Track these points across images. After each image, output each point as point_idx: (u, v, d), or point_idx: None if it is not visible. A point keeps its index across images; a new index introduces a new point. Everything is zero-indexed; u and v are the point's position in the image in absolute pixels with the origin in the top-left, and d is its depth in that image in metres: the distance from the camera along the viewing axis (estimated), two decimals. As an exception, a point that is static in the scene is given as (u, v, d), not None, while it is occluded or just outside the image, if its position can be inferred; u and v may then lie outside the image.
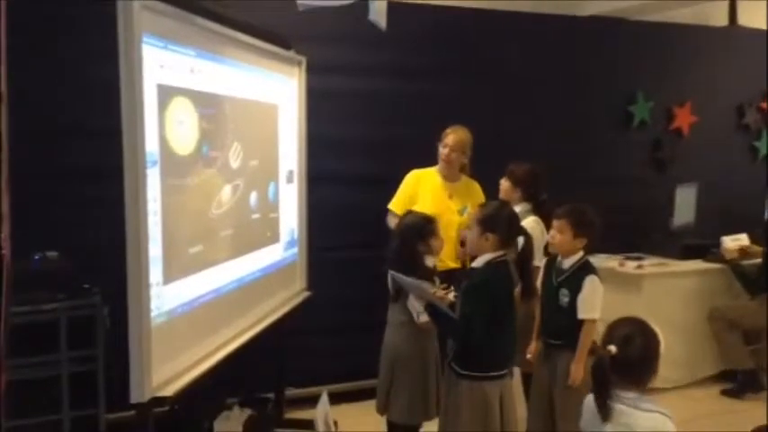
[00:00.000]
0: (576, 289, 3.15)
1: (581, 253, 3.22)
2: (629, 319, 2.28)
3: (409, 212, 3.49)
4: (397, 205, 3.96)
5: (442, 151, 3.93)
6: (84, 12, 3.37)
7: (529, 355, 3.32)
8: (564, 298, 3.17)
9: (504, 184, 3.86)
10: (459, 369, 2.91)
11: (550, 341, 3.23)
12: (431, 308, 2.98)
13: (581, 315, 3.11)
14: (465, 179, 4.04)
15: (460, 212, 3.89)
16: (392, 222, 3.83)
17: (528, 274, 3.05)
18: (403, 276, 3.05)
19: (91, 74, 3.22)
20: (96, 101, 2.93)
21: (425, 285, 3.06)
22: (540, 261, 3.43)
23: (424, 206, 3.75)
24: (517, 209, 3.41)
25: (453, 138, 3.92)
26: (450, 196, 3.94)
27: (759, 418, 3.92)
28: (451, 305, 2.95)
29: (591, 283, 3.14)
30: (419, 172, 4.01)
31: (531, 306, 3.31)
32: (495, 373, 2.89)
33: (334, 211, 4.25)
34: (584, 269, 3.19)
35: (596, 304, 3.13)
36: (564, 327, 3.15)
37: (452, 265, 3.81)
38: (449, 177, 3.98)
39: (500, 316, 2.86)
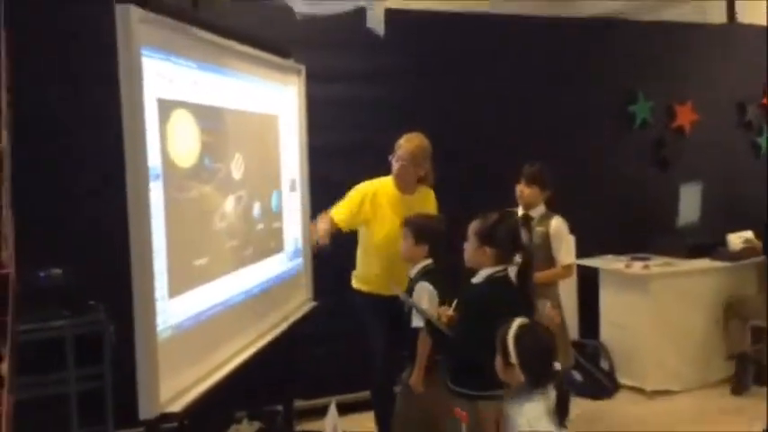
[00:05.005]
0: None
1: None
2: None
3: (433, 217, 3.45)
4: (339, 214, 3.62)
5: (395, 165, 3.60)
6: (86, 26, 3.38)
7: None
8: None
9: (528, 189, 3.78)
10: (454, 386, 2.83)
11: None
12: (428, 324, 2.95)
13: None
14: (421, 190, 3.71)
15: None
16: (321, 226, 3.55)
17: (526, 290, 2.85)
18: (406, 296, 3.06)
19: (90, 90, 3.21)
20: (99, 117, 2.93)
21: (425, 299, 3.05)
22: (571, 258, 3.85)
23: (383, 224, 3.53)
24: (539, 211, 3.76)
25: (406, 149, 3.57)
26: (411, 210, 3.54)
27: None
28: (451, 320, 2.89)
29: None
30: (374, 185, 3.66)
31: None
32: (492, 393, 2.70)
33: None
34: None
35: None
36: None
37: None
38: (406, 190, 3.66)
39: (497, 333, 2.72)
